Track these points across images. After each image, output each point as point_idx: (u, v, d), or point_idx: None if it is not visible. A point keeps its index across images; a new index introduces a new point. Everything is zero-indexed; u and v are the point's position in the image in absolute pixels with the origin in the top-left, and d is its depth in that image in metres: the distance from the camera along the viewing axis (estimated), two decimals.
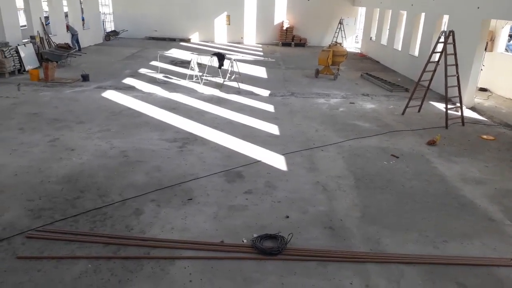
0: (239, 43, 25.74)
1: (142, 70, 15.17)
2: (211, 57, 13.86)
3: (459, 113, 9.91)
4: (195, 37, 25.86)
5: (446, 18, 13.59)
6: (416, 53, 15.56)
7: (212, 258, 4.38)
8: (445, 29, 9.59)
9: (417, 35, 15.94)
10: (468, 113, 10.81)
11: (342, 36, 25.03)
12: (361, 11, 26.46)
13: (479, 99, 12.34)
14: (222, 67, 13.59)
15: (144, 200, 5.62)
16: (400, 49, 17.14)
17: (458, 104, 10.21)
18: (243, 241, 4.70)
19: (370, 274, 4.22)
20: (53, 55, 14.75)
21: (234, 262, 4.35)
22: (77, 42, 19.04)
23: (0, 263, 4.19)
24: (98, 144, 7.58)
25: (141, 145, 7.67)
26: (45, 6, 18.10)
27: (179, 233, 4.86)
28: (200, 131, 8.62)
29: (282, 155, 7.45)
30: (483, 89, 13.53)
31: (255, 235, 4.78)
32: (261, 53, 21.66)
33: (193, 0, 24.77)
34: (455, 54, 9.56)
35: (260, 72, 16.08)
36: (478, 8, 10.99)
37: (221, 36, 25.93)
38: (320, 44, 25.95)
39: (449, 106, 9.61)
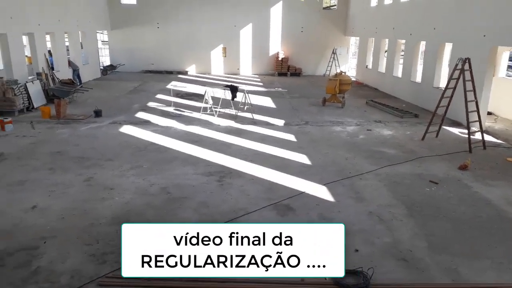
0: (235, 74, 26.04)
1: (151, 104, 15.11)
2: (225, 89, 13.93)
3: (475, 137, 10.15)
4: (192, 69, 26.07)
5: (448, 45, 14.15)
6: (419, 80, 16.03)
7: None
8: (461, 57, 9.93)
9: (417, 62, 16.49)
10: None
11: (335, 65, 25.69)
12: (353, 40, 27.29)
13: (488, 123, 12.69)
14: (235, 98, 13.67)
15: None
16: (400, 76, 17.64)
17: (474, 129, 10.48)
18: (325, 279, 4.58)
19: None
20: (61, 92, 14.58)
21: None
22: (78, 77, 18.94)
23: None
24: (135, 182, 7.40)
25: (179, 180, 7.53)
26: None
27: (243, 270, 4.69)
28: (232, 164, 8.54)
29: (323, 185, 7.41)
30: (488, 113, 13.94)
31: None
32: (261, 83, 21.95)
33: (189, 34, 25.12)
34: (472, 80, 9.88)
35: (267, 102, 16.24)
36: (485, 36, 11.49)
37: (217, 67, 26.22)
38: (314, 73, 26.54)
39: (464, 130, 9.85)
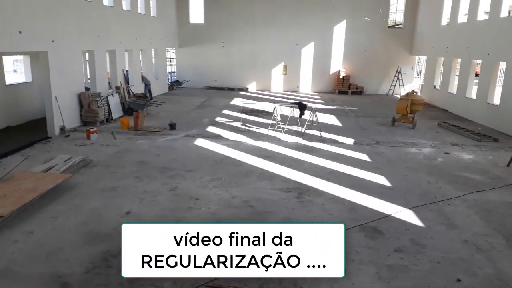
0: (295, 91, 26.15)
1: (219, 119, 15.52)
2: (293, 106, 14.02)
3: None
4: (252, 86, 26.56)
5: None
6: (497, 102, 15.13)
7: None
8: None
9: (495, 84, 15.61)
10: None
11: (399, 85, 25.03)
12: (418, 59, 26.49)
13: None
14: (303, 116, 13.69)
15: None
16: (474, 97, 16.77)
17: None
18: None
19: None
20: (137, 105, 15.44)
21: None
22: (149, 91, 19.96)
23: None
24: (218, 193, 7.58)
25: (259, 194, 7.61)
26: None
27: None
28: (308, 181, 8.50)
29: (409, 209, 7.13)
30: None
31: None
32: (322, 101, 21.83)
33: (252, 52, 25.71)
34: None
35: (331, 119, 16.08)
36: None
37: (277, 85, 26.50)
38: (376, 92, 25.99)
39: None
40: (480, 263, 5.35)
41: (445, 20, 20.48)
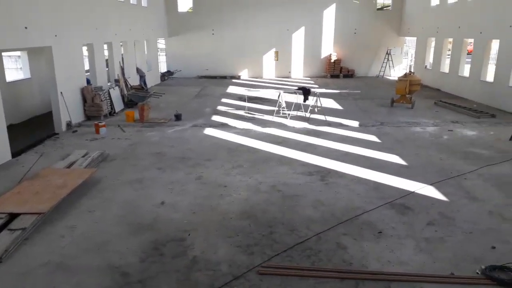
0: (287, 77, 26.28)
1: (220, 108, 15.55)
2: (296, 92, 14.17)
3: None
4: (244, 74, 26.54)
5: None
6: (490, 79, 15.60)
7: None
8: None
9: (488, 62, 16.05)
10: None
11: (389, 66, 25.44)
12: (407, 40, 26.88)
13: None
14: (307, 101, 13.87)
15: (335, 233, 5.67)
16: (467, 75, 17.22)
17: None
18: (477, 273, 4.65)
19: None
20: (137, 97, 15.34)
21: None
22: (145, 83, 19.77)
23: None
24: (243, 180, 7.73)
25: (283, 179, 7.79)
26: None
27: (399, 266, 4.86)
28: (326, 164, 8.73)
29: (430, 185, 7.44)
30: None
31: (482, 267, 4.73)
32: (316, 86, 22.01)
33: (243, 39, 25.62)
34: None
35: (332, 103, 16.30)
36: None
37: (269, 71, 26.56)
38: (367, 74, 26.33)
39: None
40: (509, 231, 5.69)
41: (435, 0, 20.78)
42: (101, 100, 13.32)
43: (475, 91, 16.44)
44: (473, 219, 6.07)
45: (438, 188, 7.28)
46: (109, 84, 15.52)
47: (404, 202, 6.72)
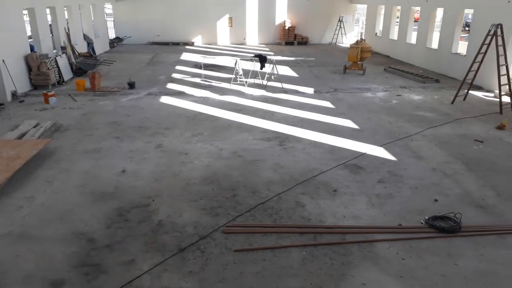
0: (242, 44, 26.04)
1: (175, 75, 15.25)
2: (253, 59, 14.17)
3: (498, 99, 10.76)
4: (198, 40, 25.94)
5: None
6: (435, 46, 16.45)
7: (406, 239, 4.82)
8: (494, 23, 10.37)
9: (433, 29, 16.86)
10: (506, 99, 11.67)
11: (341, 33, 25.93)
12: (359, 7, 27.36)
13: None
14: (263, 68, 13.95)
15: (294, 193, 6.00)
16: (415, 43, 18.03)
17: (497, 91, 11.06)
18: (421, 223, 5.17)
19: None
20: (87, 65, 14.65)
21: (425, 241, 4.82)
22: (93, 50, 18.84)
23: (221, 257, 4.47)
24: (204, 147, 7.83)
25: (244, 145, 7.98)
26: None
27: (353, 220, 5.28)
28: (284, 130, 9.00)
29: (380, 146, 7.95)
30: None
31: (426, 217, 5.26)
32: (272, 53, 22.06)
33: (195, 4, 24.85)
34: (503, 45, 10.38)
35: (287, 71, 16.51)
36: (509, 1, 11.90)
37: (224, 38, 26.14)
38: (320, 41, 26.70)
39: (487, 94, 10.41)
40: (449, 186, 6.30)
41: None
42: (48, 69, 12.60)
43: (421, 58, 17.29)
44: (418, 176, 6.63)
45: (388, 149, 7.81)
46: (55, 51, 14.64)
47: (356, 162, 7.17)
